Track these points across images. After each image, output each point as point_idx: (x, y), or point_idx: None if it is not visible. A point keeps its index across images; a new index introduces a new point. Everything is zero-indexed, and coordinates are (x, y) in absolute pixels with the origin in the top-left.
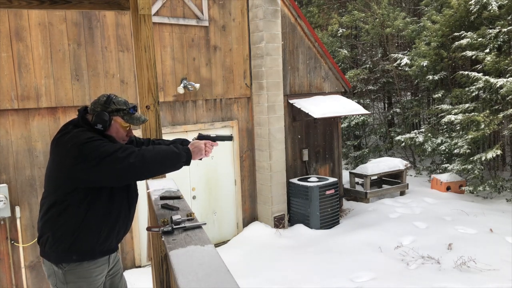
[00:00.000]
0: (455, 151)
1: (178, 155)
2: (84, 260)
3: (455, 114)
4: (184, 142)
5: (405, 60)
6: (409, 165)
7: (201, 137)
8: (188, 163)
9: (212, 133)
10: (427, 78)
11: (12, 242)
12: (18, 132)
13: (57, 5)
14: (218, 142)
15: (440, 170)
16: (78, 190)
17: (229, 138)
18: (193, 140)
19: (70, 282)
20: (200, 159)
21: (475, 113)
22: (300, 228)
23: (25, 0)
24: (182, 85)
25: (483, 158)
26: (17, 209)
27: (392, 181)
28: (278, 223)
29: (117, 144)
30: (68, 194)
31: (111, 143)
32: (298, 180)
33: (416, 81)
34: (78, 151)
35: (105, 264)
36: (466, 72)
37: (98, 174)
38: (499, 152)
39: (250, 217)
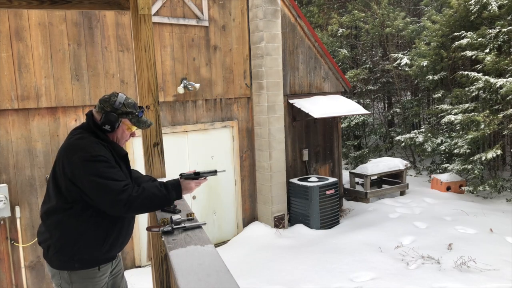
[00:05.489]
0: (455, 151)
1: (168, 201)
2: (87, 268)
3: (455, 114)
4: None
5: (405, 60)
6: (409, 165)
7: (185, 176)
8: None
9: (196, 168)
10: (427, 78)
11: (12, 242)
12: (18, 132)
13: (57, 5)
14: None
15: (440, 170)
16: (81, 200)
17: (214, 172)
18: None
19: (75, 282)
20: None
21: (475, 113)
22: (300, 228)
23: (25, 0)
24: (182, 85)
25: (483, 158)
26: (17, 209)
27: (392, 181)
28: (278, 223)
29: (120, 183)
30: (71, 203)
31: (115, 171)
32: (298, 180)
33: (416, 81)
34: (82, 167)
35: (109, 264)
36: (466, 72)
37: (93, 198)
38: (499, 152)
39: (250, 217)
